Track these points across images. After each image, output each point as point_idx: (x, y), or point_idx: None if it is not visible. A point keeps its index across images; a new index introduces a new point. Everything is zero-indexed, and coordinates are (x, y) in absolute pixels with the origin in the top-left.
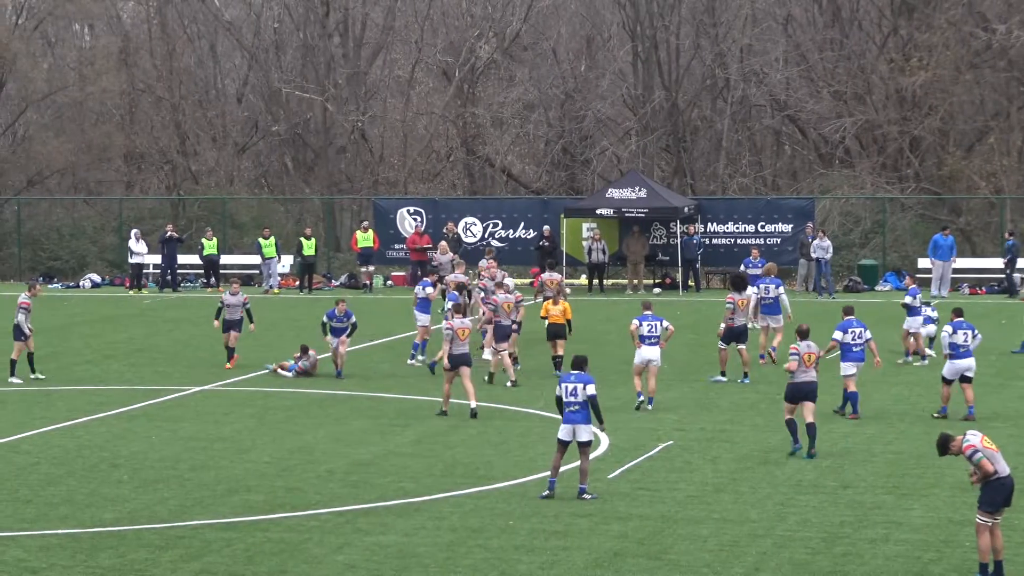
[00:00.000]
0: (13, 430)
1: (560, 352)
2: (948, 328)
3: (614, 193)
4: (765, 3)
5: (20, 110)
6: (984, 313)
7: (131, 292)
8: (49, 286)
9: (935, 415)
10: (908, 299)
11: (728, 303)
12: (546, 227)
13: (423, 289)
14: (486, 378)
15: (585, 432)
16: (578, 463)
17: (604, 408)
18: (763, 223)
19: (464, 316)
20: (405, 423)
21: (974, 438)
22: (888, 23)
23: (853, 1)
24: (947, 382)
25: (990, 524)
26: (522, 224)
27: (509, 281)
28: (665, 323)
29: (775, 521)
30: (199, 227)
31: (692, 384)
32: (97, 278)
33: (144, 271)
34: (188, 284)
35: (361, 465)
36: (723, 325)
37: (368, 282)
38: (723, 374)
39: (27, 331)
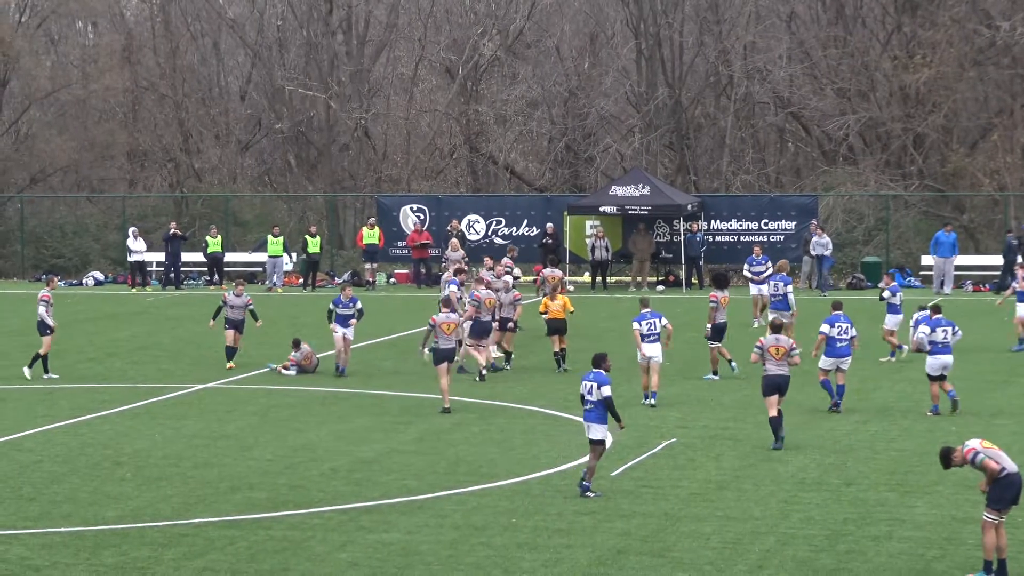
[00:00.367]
0: (16, 428)
1: (563, 346)
2: (925, 328)
3: (617, 190)
4: (769, 0)
5: (23, 108)
6: (988, 311)
7: (133, 290)
8: None
9: (928, 413)
10: (887, 294)
11: (712, 301)
12: (549, 224)
13: (448, 288)
14: (477, 378)
15: (596, 431)
16: (586, 459)
17: None
18: (766, 220)
19: (452, 311)
20: (408, 421)
21: (972, 442)
22: (892, 20)
23: None
24: (933, 379)
25: (997, 522)
26: (525, 222)
27: (508, 278)
28: (664, 321)
29: (778, 518)
30: (202, 225)
31: (695, 381)
32: (100, 276)
33: (146, 269)
34: (191, 282)
35: (364, 463)
36: (708, 325)
37: (371, 280)
38: (715, 373)
39: (51, 324)
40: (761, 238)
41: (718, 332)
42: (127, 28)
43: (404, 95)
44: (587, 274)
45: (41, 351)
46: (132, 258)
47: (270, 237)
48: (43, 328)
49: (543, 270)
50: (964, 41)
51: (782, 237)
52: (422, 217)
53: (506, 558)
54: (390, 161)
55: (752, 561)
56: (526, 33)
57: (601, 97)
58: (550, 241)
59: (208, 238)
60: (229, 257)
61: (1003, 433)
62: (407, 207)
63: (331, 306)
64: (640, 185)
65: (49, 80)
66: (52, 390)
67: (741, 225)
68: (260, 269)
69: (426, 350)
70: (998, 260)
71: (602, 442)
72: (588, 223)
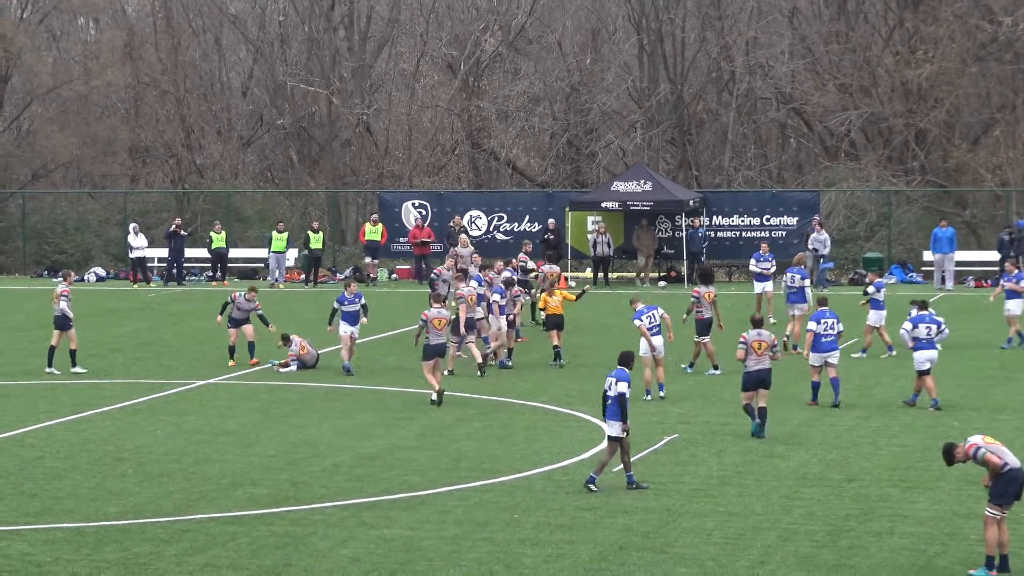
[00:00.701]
0: (18, 424)
1: (558, 342)
2: (908, 325)
3: (619, 186)
4: None
5: (25, 104)
6: (989, 307)
7: (135, 286)
8: (53, 280)
9: (929, 408)
10: (871, 290)
11: (694, 296)
12: (551, 220)
13: (495, 294)
14: (479, 373)
15: (611, 427)
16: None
17: None
18: (768, 216)
19: (442, 306)
20: (410, 416)
21: (974, 438)
22: (894, 16)
23: None
24: (922, 373)
25: (999, 517)
26: (527, 217)
27: (507, 274)
28: (661, 311)
29: (780, 514)
30: (204, 220)
31: (697, 377)
32: (102, 272)
33: (147, 265)
34: (193, 278)
35: (366, 459)
36: (684, 315)
37: (373, 275)
38: (716, 367)
39: (70, 316)
40: (763, 234)
41: (703, 328)
42: (129, 24)
43: (406, 91)
44: (589, 270)
45: (72, 347)
46: (133, 254)
47: (275, 233)
48: (66, 323)
49: (542, 266)
50: (966, 36)
51: (784, 233)
52: (423, 213)
53: (508, 554)
54: (392, 157)
55: (754, 557)
56: (528, 29)
57: (603, 93)
58: (552, 237)
59: (212, 233)
60: (233, 253)
61: (1005, 429)
62: (409, 203)
63: (335, 305)
64: (642, 181)
65: (51, 76)
66: (54, 386)
67: (743, 221)
68: (262, 265)
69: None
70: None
71: (619, 439)
72: (590, 219)
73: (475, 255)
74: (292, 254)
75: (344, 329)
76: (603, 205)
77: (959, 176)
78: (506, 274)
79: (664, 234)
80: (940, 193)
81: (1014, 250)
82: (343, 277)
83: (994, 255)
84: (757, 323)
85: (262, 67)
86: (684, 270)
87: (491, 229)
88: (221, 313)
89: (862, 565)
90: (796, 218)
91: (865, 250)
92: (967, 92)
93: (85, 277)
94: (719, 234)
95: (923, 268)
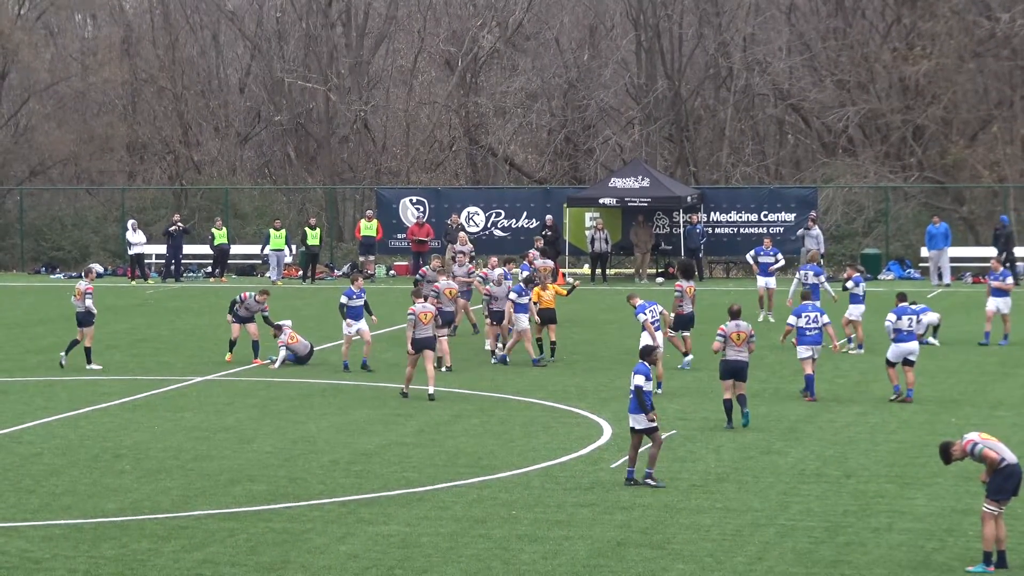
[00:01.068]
0: (16, 420)
1: (552, 338)
2: (892, 316)
3: (617, 182)
4: None
5: (23, 100)
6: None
7: (133, 282)
8: (51, 276)
9: (891, 399)
10: (850, 284)
11: (676, 291)
12: (549, 216)
13: (519, 296)
14: (444, 369)
15: (635, 420)
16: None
17: (606, 398)
18: (766, 212)
19: (425, 300)
20: (408, 413)
21: (971, 434)
22: (891, 12)
23: None
24: (891, 364)
25: (996, 513)
26: (525, 214)
27: (500, 270)
28: (659, 308)
29: (778, 510)
30: (202, 217)
31: (694, 374)
32: (100, 268)
33: (145, 261)
34: (191, 274)
35: (364, 455)
36: (672, 314)
37: (371, 272)
38: (686, 354)
39: (95, 313)
40: (761, 230)
41: (684, 323)
42: (126, 20)
43: (403, 87)
44: (587, 266)
45: (87, 343)
46: (131, 251)
47: (272, 231)
48: (89, 319)
49: (535, 261)
50: (964, 33)
51: (782, 229)
52: (422, 209)
53: (506, 550)
54: (389, 153)
55: (752, 553)
56: (525, 25)
57: (601, 89)
58: (549, 233)
59: (214, 230)
60: (234, 249)
61: (1003, 425)
62: (407, 199)
63: (343, 299)
64: (640, 177)
65: (48, 72)
66: (52, 382)
67: (741, 217)
68: (260, 262)
69: (409, 343)
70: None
71: (641, 432)
72: (588, 215)
73: (460, 255)
74: (288, 252)
75: (352, 326)
76: (601, 201)
77: (956, 172)
78: (499, 271)
79: (662, 230)
80: (938, 189)
81: (999, 247)
82: (356, 271)
83: (993, 251)
84: (735, 314)
85: (260, 63)
86: None
87: (489, 225)
88: (230, 312)
89: (860, 561)
90: (794, 214)
91: (863, 246)
92: (964, 88)
93: (83, 273)
94: (717, 230)
95: (921, 264)
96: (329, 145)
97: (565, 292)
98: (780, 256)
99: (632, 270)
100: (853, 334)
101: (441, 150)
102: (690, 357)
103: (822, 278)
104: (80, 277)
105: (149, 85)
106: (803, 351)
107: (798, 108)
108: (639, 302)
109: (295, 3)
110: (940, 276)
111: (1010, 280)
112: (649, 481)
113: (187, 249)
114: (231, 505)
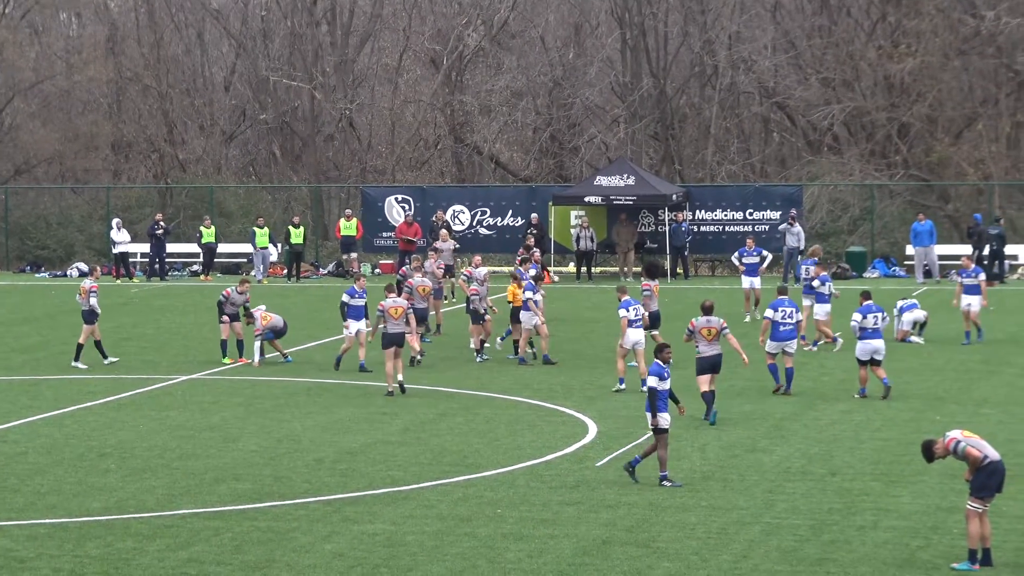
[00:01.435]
0: (0, 419)
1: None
2: (857, 315)
3: (602, 180)
4: None
5: (7, 99)
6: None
7: (118, 281)
8: (36, 275)
9: (856, 396)
10: (816, 283)
11: (644, 290)
12: (534, 215)
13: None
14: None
15: (656, 419)
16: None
17: (591, 396)
18: (751, 210)
19: (398, 295)
20: (393, 412)
21: (953, 432)
22: (876, 10)
23: None
24: (862, 363)
25: (981, 511)
26: (510, 212)
27: (484, 269)
28: (641, 308)
29: (763, 508)
30: (187, 216)
31: (679, 371)
32: (84, 267)
33: (129, 260)
34: (176, 273)
35: (349, 454)
36: (645, 313)
37: (356, 270)
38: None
39: (99, 312)
40: (746, 228)
41: (654, 321)
42: (111, 19)
43: (389, 85)
44: (572, 264)
45: (81, 340)
46: (116, 249)
47: (256, 229)
48: (93, 317)
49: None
50: (949, 30)
51: (767, 227)
52: (407, 208)
53: (491, 548)
54: (375, 152)
55: (737, 551)
56: (510, 23)
57: (586, 87)
58: (535, 231)
59: (202, 228)
60: (220, 248)
61: (988, 423)
62: (392, 197)
63: (345, 298)
64: (625, 175)
65: (33, 71)
66: (36, 381)
67: (726, 215)
68: (246, 260)
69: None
70: (984, 249)
71: (661, 430)
72: (573, 213)
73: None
74: (274, 249)
75: (352, 327)
76: (586, 200)
77: (942, 170)
78: (483, 270)
79: (647, 228)
80: (923, 187)
81: (973, 245)
82: (325, 272)
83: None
84: (707, 310)
85: (245, 62)
86: (667, 265)
87: (474, 224)
88: (221, 313)
89: (845, 559)
90: (779, 212)
91: (848, 244)
92: (950, 86)
93: (67, 272)
94: (702, 228)
95: (906, 262)
96: (314, 143)
97: (512, 301)
98: (765, 252)
99: (617, 268)
100: (837, 338)
101: (426, 148)
102: None
103: (825, 273)
104: (85, 275)
105: (134, 83)
106: (772, 346)
107: (783, 106)
108: (625, 298)
109: (280, 1)
110: (928, 274)
111: (982, 277)
112: (666, 483)
113: (172, 248)
114: (216, 504)
